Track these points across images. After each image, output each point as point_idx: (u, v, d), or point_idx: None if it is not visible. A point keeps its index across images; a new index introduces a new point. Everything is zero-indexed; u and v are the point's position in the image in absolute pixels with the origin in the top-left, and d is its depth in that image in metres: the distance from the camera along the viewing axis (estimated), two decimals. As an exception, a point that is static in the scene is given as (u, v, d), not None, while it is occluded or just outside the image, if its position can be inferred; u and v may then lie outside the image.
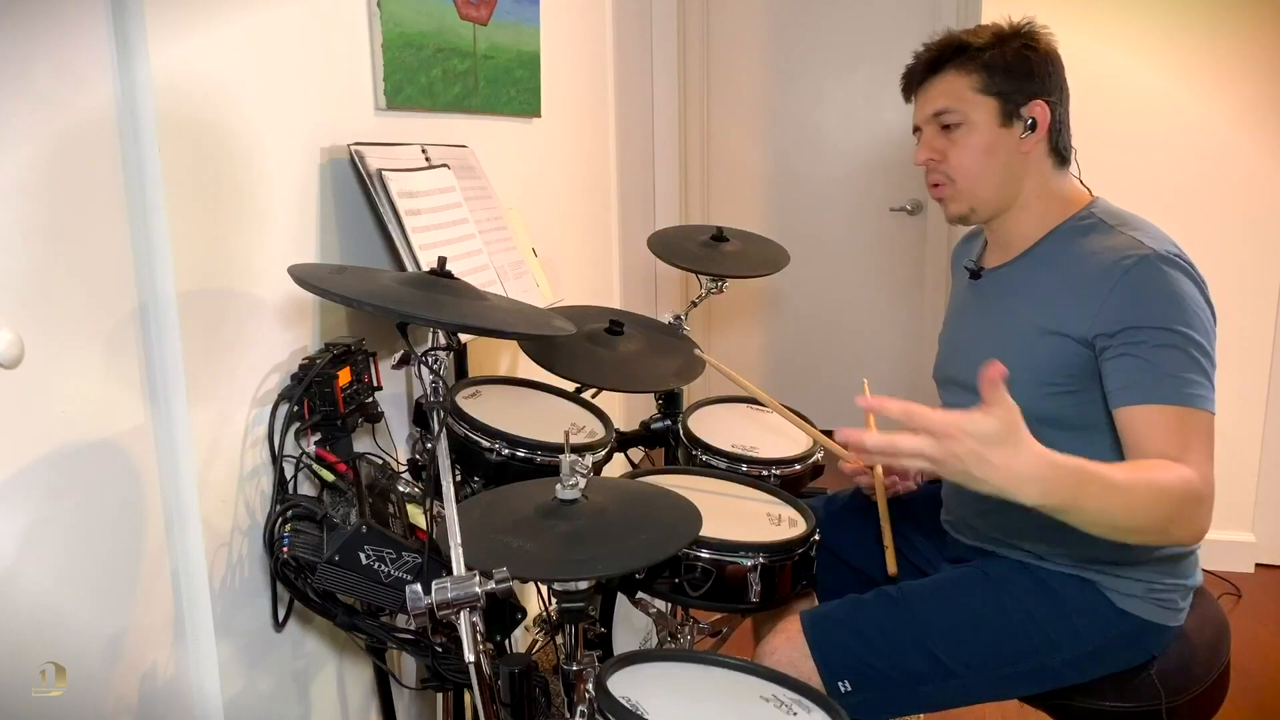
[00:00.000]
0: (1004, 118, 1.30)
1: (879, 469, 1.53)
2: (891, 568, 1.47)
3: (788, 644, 1.31)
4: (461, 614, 1.02)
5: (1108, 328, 1.19)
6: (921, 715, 1.51)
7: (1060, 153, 1.34)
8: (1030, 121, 1.30)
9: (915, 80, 1.37)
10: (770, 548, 1.33)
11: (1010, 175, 1.32)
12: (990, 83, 1.29)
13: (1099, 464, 1.01)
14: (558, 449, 1.25)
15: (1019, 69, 1.29)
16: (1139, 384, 1.17)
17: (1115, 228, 1.27)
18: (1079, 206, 1.33)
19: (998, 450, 0.93)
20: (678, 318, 1.92)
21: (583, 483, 1.16)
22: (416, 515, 1.33)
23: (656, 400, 1.87)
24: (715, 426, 1.78)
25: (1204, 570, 1.37)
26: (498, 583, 1.01)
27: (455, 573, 1.02)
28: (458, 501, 1.07)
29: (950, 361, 1.48)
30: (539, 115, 2.26)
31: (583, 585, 1.09)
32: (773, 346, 4.12)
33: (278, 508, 1.29)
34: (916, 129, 1.39)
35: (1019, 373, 1.29)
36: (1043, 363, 1.26)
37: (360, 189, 1.50)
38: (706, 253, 1.99)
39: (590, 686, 1.03)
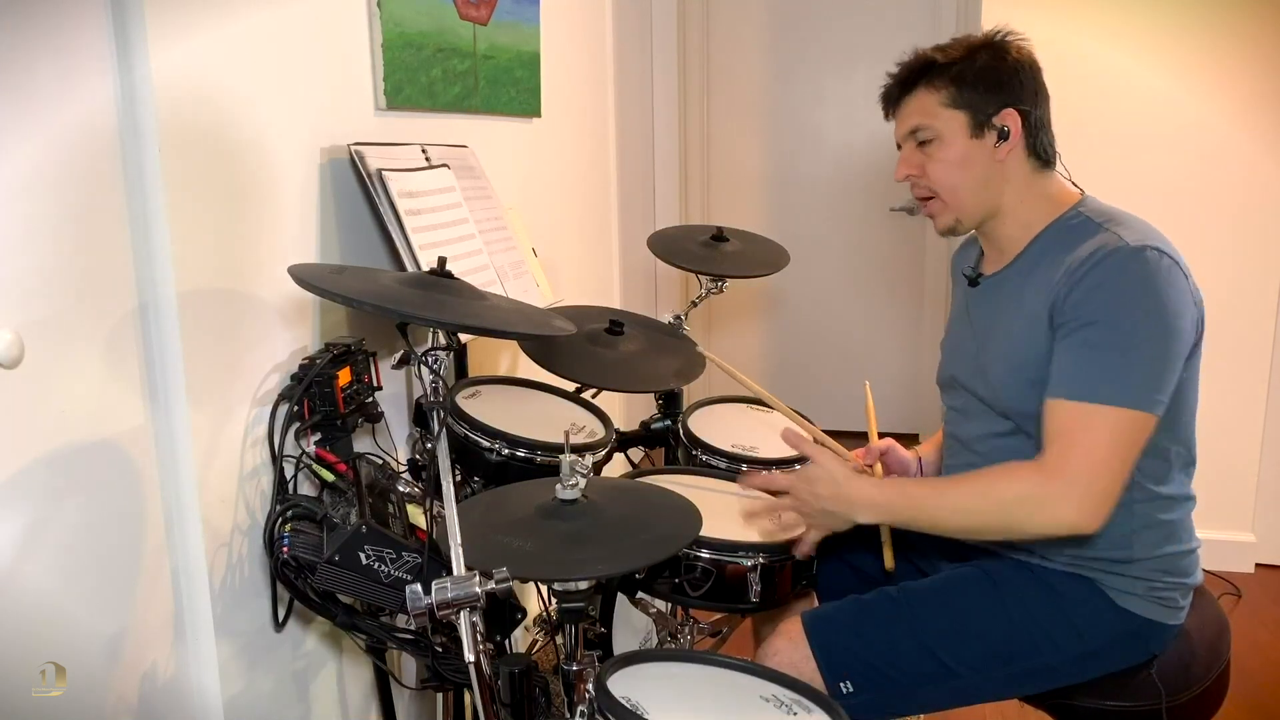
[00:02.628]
0: (975, 129, 1.31)
1: (879, 468, 1.54)
2: (889, 563, 1.47)
3: (790, 645, 1.31)
4: (461, 614, 1.02)
5: (1065, 317, 1.22)
6: (922, 716, 1.51)
7: (1041, 155, 1.34)
8: (1003, 130, 1.31)
9: (891, 100, 1.40)
10: (770, 548, 1.33)
11: (989, 184, 1.33)
12: (959, 97, 1.31)
13: (922, 485, 1.32)
14: (558, 449, 1.25)
15: (987, 81, 1.31)
16: (1058, 376, 1.22)
17: (1102, 225, 1.27)
18: (1067, 206, 1.33)
19: (824, 488, 1.31)
20: (678, 318, 1.92)
21: (583, 483, 1.16)
22: (416, 515, 1.33)
23: (656, 400, 1.87)
24: (715, 426, 1.78)
25: (1204, 570, 1.37)
26: (498, 583, 1.01)
27: (455, 573, 1.02)
28: (458, 501, 1.07)
29: (953, 367, 1.48)
30: (539, 115, 2.26)
31: (583, 585, 1.09)
32: (773, 346, 4.12)
33: (278, 508, 1.29)
34: (899, 146, 1.41)
35: (1013, 372, 1.31)
36: (1032, 361, 1.27)
37: (360, 189, 1.50)
38: (706, 253, 1.99)
39: (590, 686, 1.03)
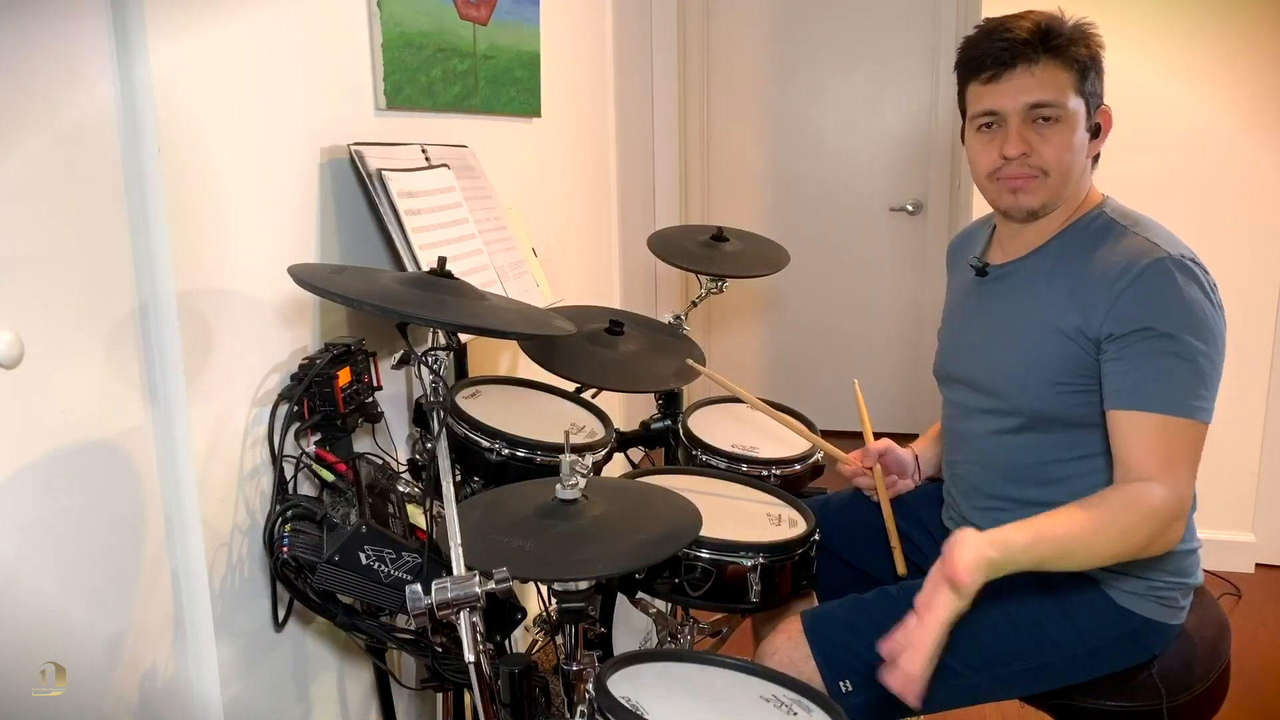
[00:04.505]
0: (1088, 120, 1.29)
1: (879, 469, 1.53)
2: (901, 568, 1.47)
3: (789, 644, 1.31)
4: (461, 614, 1.02)
5: (1117, 328, 1.20)
6: (922, 716, 1.51)
7: (1097, 156, 1.35)
8: (1098, 126, 1.30)
9: (1003, 62, 1.26)
10: (770, 548, 1.33)
11: (1080, 177, 1.31)
12: (1083, 83, 1.27)
13: (1056, 526, 1.13)
14: (558, 449, 1.25)
15: (1099, 72, 1.29)
16: (1135, 389, 1.19)
17: (1129, 228, 1.27)
18: (1091, 205, 1.33)
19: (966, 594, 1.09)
20: (678, 318, 1.92)
21: (583, 483, 1.16)
22: (416, 515, 1.33)
23: (656, 400, 1.87)
24: (715, 426, 1.78)
25: (1204, 570, 1.37)
26: (498, 583, 1.01)
27: (455, 573, 1.02)
28: (458, 501, 1.07)
29: (954, 359, 1.47)
30: (539, 115, 2.26)
31: (583, 585, 1.09)
32: (773, 346, 4.12)
33: (278, 508, 1.29)
34: (991, 114, 1.29)
35: (1028, 370, 1.30)
36: (1053, 361, 1.26)
37: (360, 189, 1.50)
38: (706, 253, 1.98)
39: (590, 686, 1.03)
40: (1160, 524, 1.15)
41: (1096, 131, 1.31)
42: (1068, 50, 1.25)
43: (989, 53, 1.27)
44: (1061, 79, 1.25)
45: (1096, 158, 1.35)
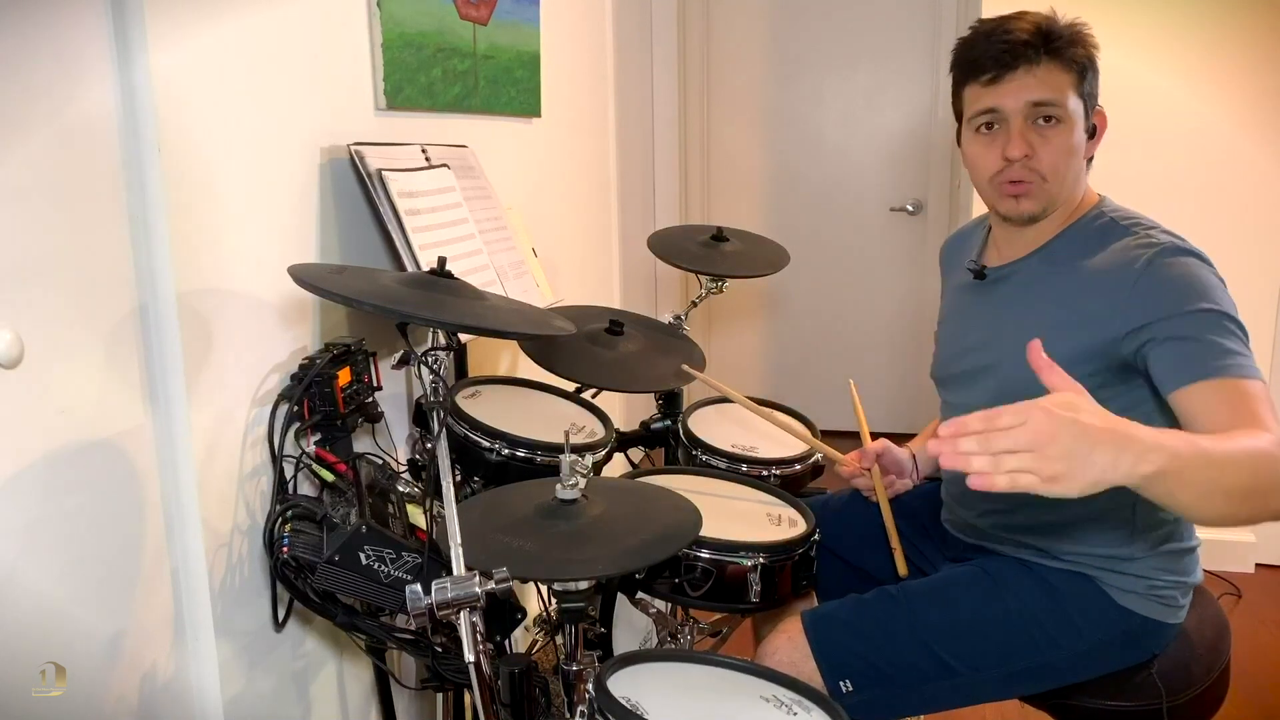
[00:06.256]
0: (1086, 121, 1.28)
1: (877, 470, 1.53)
2: (902, 569, 1.47)
3: (789, 644, 1.31)
4: (461, 614, 1.02)
5: (1139, 321, 1.17)
6: (923, 716, 1.51)
7: (1092, 157, 1.35)
8: (1094, 127, 1.30)
9: (1007, 62, 1.24)
10: (770, 548, 1.33)
11: (1077, 178, 1.31)
12: (1081, 84, 1.26)
13: (1196, 436, 0.98)
14: (558, 449, 1.25)
15: (1096, 74, 1.28)
16: (1187, 365, 1.12)
17: (1130, 226, 1.27)
18: (1089, 205, 1.33)
19: (1087, 416, 0.87)
20: (678, 318, 1.92)
21: (583, 483, 1.16)
22: (416, 515, 1.33)
23: (656, 400, 1.87)
24: (715, 426, 1.78)
25: (1204, 570, 1.37)
26: (498, 583, 1.01)
27: (455, 573, 1.02)
28: (458, 501, 1.07)
29: (954, 360, 1.47)
30: (539, 115, 2.26)
31: (583, 585, 1.09)
32: (773, 346, 4.12)
33: (278, 508, 1.29)
34: (991, 112, 1.27)
35: (1031, 370, 1.29)
36: (1058, 361, 1.25)
37: (360, 189, 1.50)
38: (706, 253, 1.98)
39: (590, 686, 1.03)
40: None
41: (1093, 133, 1.31)
42: (1067, 51, 1.24)
43: (989, 54, 1.26)
44: (1061, 79, 1.24)
45: (1090, 159, 1.35)
